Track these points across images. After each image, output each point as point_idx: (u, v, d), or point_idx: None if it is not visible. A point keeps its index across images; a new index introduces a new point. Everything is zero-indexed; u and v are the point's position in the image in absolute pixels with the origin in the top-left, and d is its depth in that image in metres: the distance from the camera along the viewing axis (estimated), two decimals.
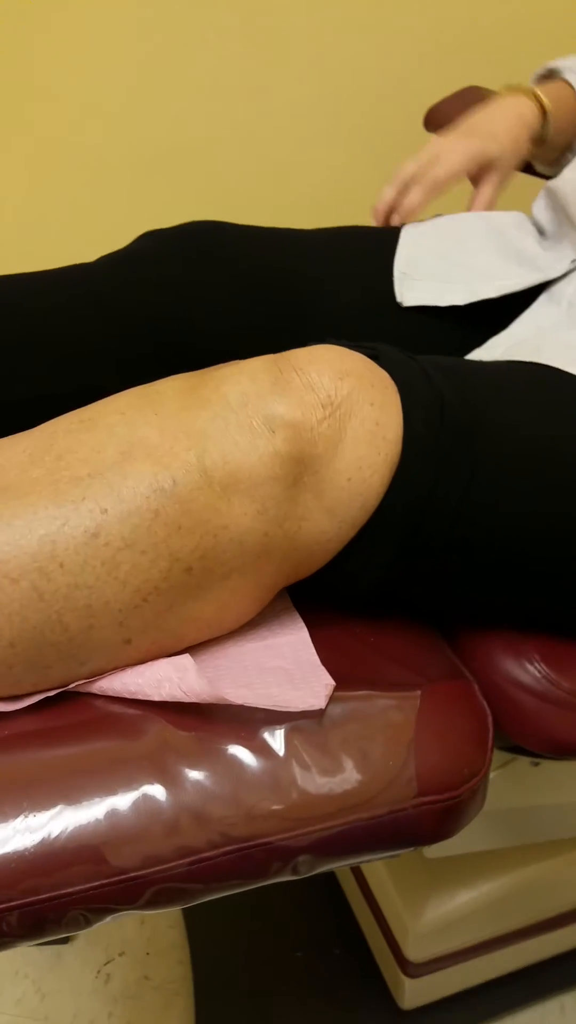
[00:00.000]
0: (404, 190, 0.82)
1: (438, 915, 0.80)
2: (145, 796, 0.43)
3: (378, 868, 0.87)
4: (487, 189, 0.82)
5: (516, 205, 0.83)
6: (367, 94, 1.38)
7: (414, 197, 0.81)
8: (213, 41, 1.34)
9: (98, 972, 1.01)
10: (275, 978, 0.95)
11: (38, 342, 0.67)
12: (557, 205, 0.76)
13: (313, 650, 0.49)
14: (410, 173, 0.82)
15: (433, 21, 1.33)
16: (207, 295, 0.71)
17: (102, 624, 0.44)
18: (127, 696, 0.46)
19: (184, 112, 1.39)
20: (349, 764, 0.45)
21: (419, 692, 0.48)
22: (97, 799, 0.42)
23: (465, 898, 0.80)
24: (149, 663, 0.46)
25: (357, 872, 0.95)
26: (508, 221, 0.78)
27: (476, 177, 0.83)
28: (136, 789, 0.43)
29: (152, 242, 0.73)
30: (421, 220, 0.80)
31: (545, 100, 0.80)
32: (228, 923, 1.01)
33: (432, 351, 0.71)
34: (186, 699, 0.44)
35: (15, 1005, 0.97)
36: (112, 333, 0.69)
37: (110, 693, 0.46)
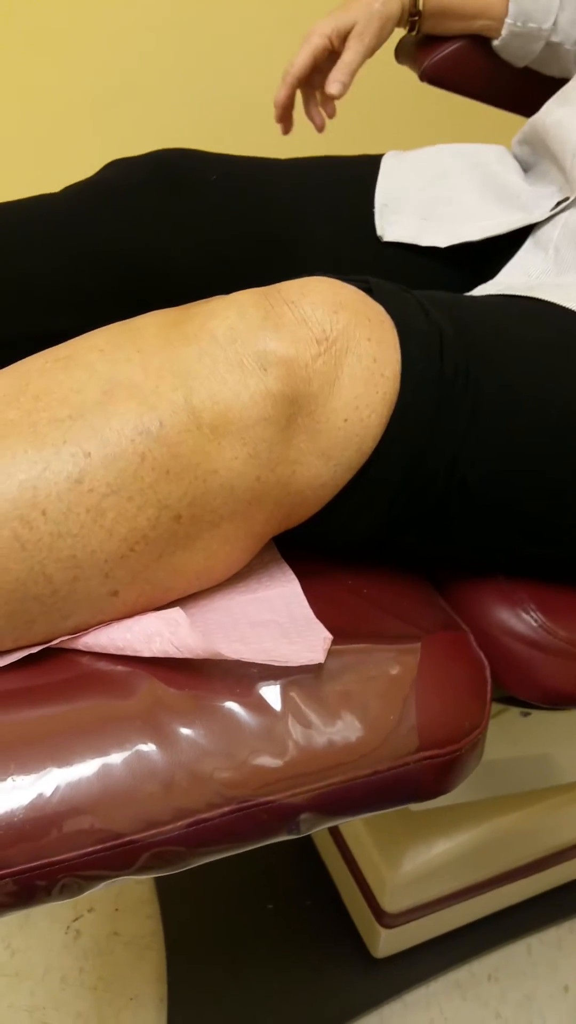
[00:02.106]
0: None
1: (415, 866, 0.80)
2: (139, 756, 0.40)
3: (354, 821, 0.87)
4: (346, 55, 0.79)
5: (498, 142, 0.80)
6: None
7: (279, 93, 0.82)
8: None
9: (67, 928, 0.99)
10: (246, 931, 0.95)
11: (2, 279, 0.63)
12: (538, 140, 0.73)
13: (306, 603, 0.47)
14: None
15: None
16: (178, 228, 0.67)
17: (87, 575, 0.41)
18: (115, 652, 0.43)
19: (151, 34, 1.32)
20: (349, 718, 0.43)
21: (418, 644, 0.46)
22: (88, 759, 0.40)
23: (442, 848, 0.80)
24: (137, 617, 0.44)
25: None
26: (490, 155, 0.75)
27: (339, 49, 0.81)
28: (129, 749, 0.40)
29: (119, 171, 0.69)
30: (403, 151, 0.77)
31: None
32: (197, 877, 1.00)
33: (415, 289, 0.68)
34: (179, 655, 0.41)
35: None
36: (78, 270, 0.64)
37: (96, 649, 0.43)
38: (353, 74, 0.80)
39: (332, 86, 0.79)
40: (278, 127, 0.86)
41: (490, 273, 0.68)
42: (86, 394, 0.42)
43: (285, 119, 0.85)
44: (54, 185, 0.70)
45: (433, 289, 0.68)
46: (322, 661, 0.42)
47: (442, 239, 0.68)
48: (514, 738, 0.65)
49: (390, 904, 0.83)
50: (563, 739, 0.69)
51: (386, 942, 0.88)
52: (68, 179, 0.70)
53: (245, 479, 0.43)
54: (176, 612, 0.43)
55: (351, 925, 0.93)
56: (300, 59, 0.80)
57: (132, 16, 1.30)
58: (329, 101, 0.84)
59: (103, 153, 0.74)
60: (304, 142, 0.90)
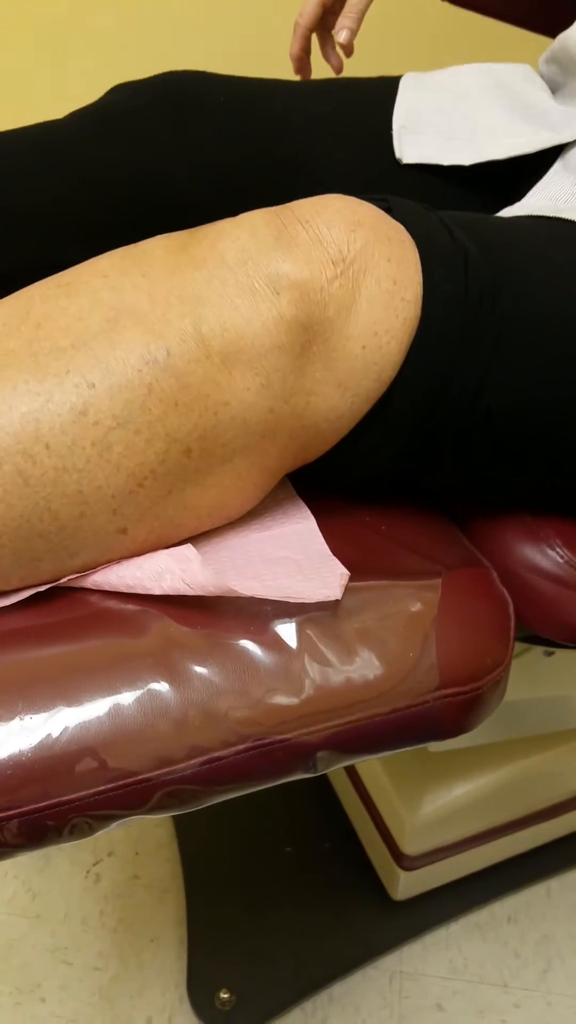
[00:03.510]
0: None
1: (435, 808, 0.79)
2: (151, 693, 0.39)
3: (373, 762, 0.86)
4: None
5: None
6: None
7: (292, 47, 0.81)
8: None
9: (87, 872, 1.00)
10: (265, 874, 0.96)
11: (7, 210, 0.60)
12: (567, 58, 0.69)
13: (322, 539, 0.45)
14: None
15: None
16: (186, 150, 0.64)
17: (94, 512, 0.40)
18: (124, 590, 0.42)
19: None
20: (367, 655, 0.42)
21: (439, 580, 0.44)
22: (99, 698, 0.39)
23: (462, 791, 0.80)
24: (147, 555, 0.42)
25: (350, 767, 0.95)
26: (516, 74, 0.71)
27: None
28: (141, 687, 0.39)
29: (125, 95, 0.65)
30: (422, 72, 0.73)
31: None
32: (216, 821, 1.01)
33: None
34: (190, 592, 0.40)
35: (7, 904, 0.97)
36: (81, 197, 0.62)
37: (106, 587, 0.42)
38: (360, 16, 0.77)
39: (341, 34, 0.77)
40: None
41: (515, 197, 0.64)
42: (89, 321, 0.40)
43: (303, 70, 0.83)
44: (60, 109, 0.67)
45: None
46: (339, 598, 0.41)
47: (465, 157, 0.65)
48: (536, 678, 0.64)
49: (410, 846, 0.83)
50: None
51: (405, 885, 0.88)
52: (74, 103, 0.67)
53: (257, 411, 0.41)
54: (187, 549, 0.41)
55: (370, 868, 0.93)
56: (308, 8, 0.78)
57: None
58: (299, 63, 0.82)
59: (108, 77, 0.71)
60: (323, 70, 0.86)
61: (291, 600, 0.40)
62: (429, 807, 0.79)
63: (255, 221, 0.43)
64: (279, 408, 0.42)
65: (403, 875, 0.86)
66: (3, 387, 0.39)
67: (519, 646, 0.60)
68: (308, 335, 0.41)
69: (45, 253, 0.61)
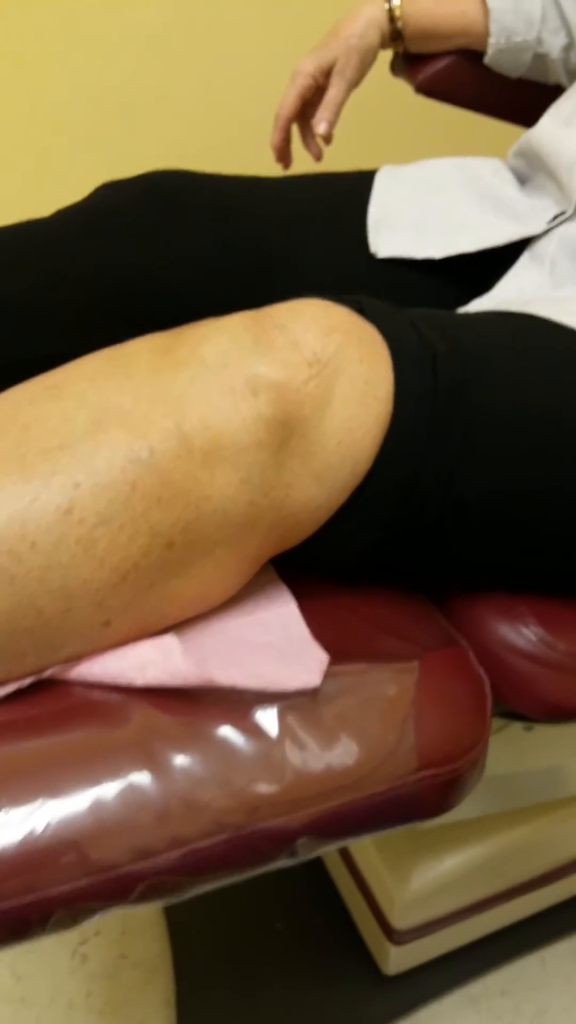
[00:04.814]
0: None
1: (424, 882, 0.79)
2: (132, 785, 0.40)
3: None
4: (329, 92, 0.82)
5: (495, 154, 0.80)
6: None
7: (273, 137, 0.85)
8: None
9: (74, 953, 0.99)
10: (255, 950, 0.94)
11: None
12: (533, 154, 0.73)
13: (303, 623, 0.47)
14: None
15: None
16: (169, 247, 0.67)
17: (79, 606, 0.41)
18: (108, 682, 0.43)
19: (142, 56, 1.32)
20: (346, 740, 0.43)
21: (416, 663, 0.46)
22: (81, 790, 0.39)
23: (451, 864, 0.80)
24: (131, 645, 0.43)
25: None
26: (485, 168, 0.75)
27: (324, 84, 0.83)
28: (122, 778, 0.40)
29: (111, 194, 0.69)
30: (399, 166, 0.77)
31: None
32: (205, 897, 0.99)
33: (410, 307, 0.68)
34: (173, 683, 0.41)
35: None
36: (71, 294, 0.64)
37: (90, 679, 0.43)
38: (338, 109, 0.82)
39: (319, 126, 0.81)
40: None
41: (486, 287, 0.67)
42: (76, 423, 0.42)
43: (283, 159, 0.87)
44: (48, 206, 0.70)
45: (429, 304, 0.68)
46: (318, 684, 0.42)
47: (438, 251, 0.68)
48: (518, 752, 0.65)
49: (399, 921, 0.82)
50: (568, 751, 0.68)
51: (396, 959, 0.87)
52: (62, 201, 0.71)
53: (238, 504, 0.43)
54: (169, 639, 0.42)
55: (361, 942, 0.92)
56: (288, 101, 0.82)
57: (127, 34, 1.31)
58: (279, 152, 0.87)
59: (97, 174, 0.74)
60: (304, 158, 0.90)
61: (271, 690, 0.42)
62: (418, 881, 0.79)
63: (235, 325, 0.45)
64: (259, 501, 0.44)
65: (394, 949, 0.85)
66: None
67: (498, 722, 0.61)
68: (286, 432, 0.43)
69: (29, 345, 0.64)
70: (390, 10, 0.81)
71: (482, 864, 0.81)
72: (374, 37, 0.81)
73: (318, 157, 0.88)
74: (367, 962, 0.91)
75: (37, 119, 1.35)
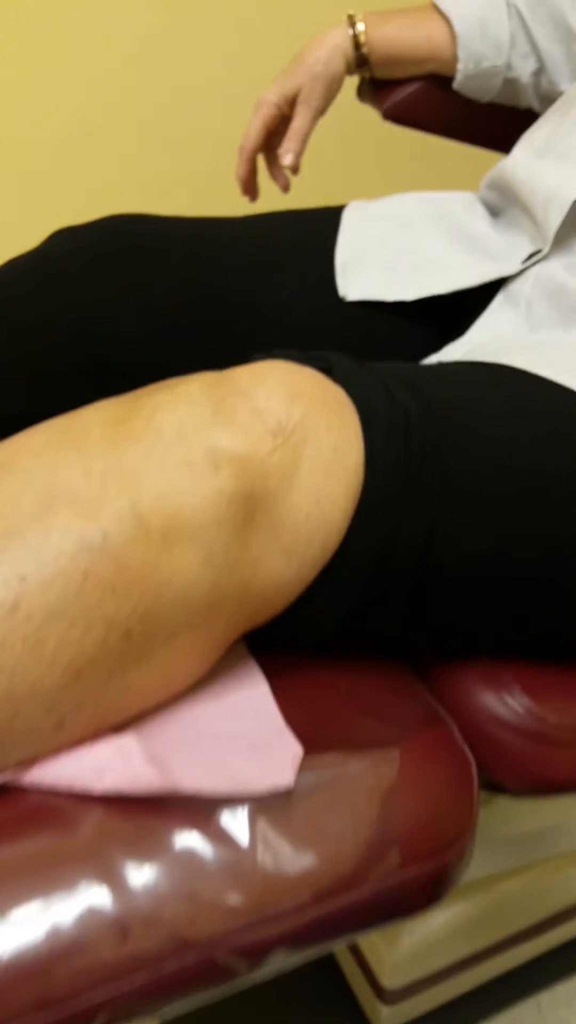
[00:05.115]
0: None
1: (414, 941, 0.76)
2: (87, 903, 0.37)
3: None
4: (295, 121, 0.79)
5: (469, 184, 0.78)
6: None
7: (238, 169, 0.82)
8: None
9: None
10: (243, 1006, 0.91)
11: None
12: (505, 186, 0.70)
13: (276, 709, 0.44)
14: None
15: None
16: (129, 295, 0.63)
17: (28, 710, 0.38)
18: (63, 788, 0.39)
19: (100, 86, 1.29)
20: (322, 842, 0.40)
21: (396, 752, 0.43)
22: (32, 911, 0.36)
23: (440, 921, 0.76)
24: (87, 746, 0.40)
25: None
26: (456, 203, 0.72)
27: (290, 113, 0.81)
28: (77, 894, 0.37)
29: (66, 242, 0.65)
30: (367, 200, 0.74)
31: (360, 24, 0.78)
32: None
33: (382, 352, 0.65)
34: (134, 790, 0.38)
35: None
36: (25, 349, 0.61)
37: (43, 786, 0.40)
38: (304, 139, 0.79)
39: (285, 157, 0.79)
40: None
41: (460, 328, 0.65)
42: (22, 507, 0.39)
43: (250, 191, 0.85)
44: (14, 242, 0.67)
45: (401, 347, 0.66)
46: (291, 785, 0.39)
47: (409, 293, 0.65)
48: (508, 820, 0.62)
49: (390, 981, 0.79)
50: (564, 812, 0.65)
51: (389, 1017, 0.84)
52: (10, 245, 0.67)
53: (201, 586, 0.40)
54: (129, 739, 0.39)
55: (353, 999, 0.89)
56: (252, 132, 0.80)
57: (89, 63, 1.28)
58: (245, 184, 0.85)
59: (54, 211, 0.72)
60: (271, 189, 0.87)
61: (241, 792, 0.38)
62: (408, 940, 0.76)
63: (192, 392, 0.42)
64: (223, 581, 0.41)
65: (385, 1009, 0.82)
66: None
67: (488, 793, 0.59)
68: (250, 506, 0.40)
69: None
70: (355, 36, 0.79)
71: (474, 918, 0.78)
72: (339, 64, 0.79)
73: (285, 188, 0.86)
74: (360, 1019, 0.88)
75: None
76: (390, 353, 0.64)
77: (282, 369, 0.43)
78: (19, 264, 0.65)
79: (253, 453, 0.40)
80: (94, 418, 0.43)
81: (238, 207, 0.83)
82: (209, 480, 0.39)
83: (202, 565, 0.40)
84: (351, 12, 0.80)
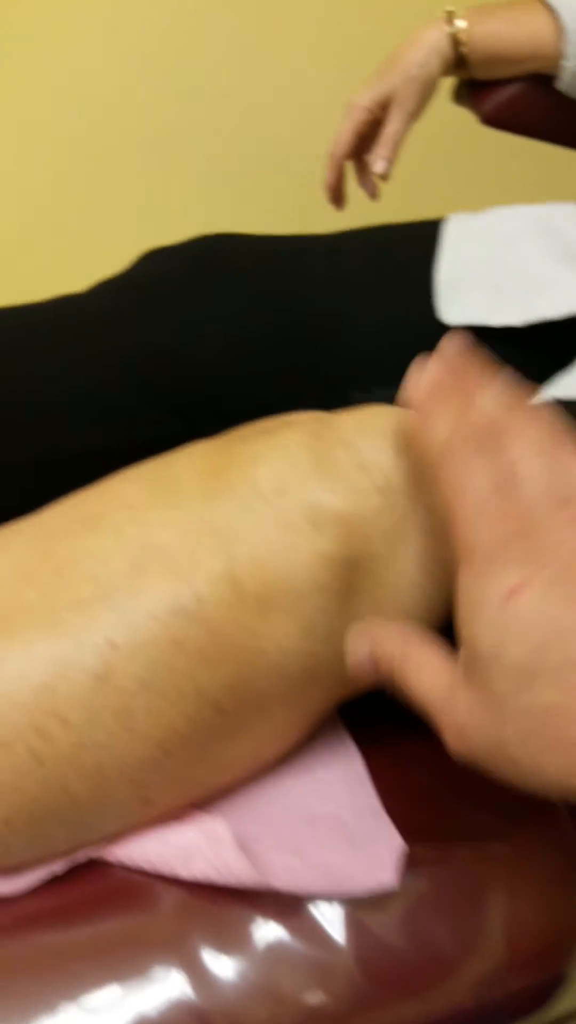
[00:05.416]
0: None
1: None
2: (168, 993, 0.34)
3: None
4: (388, 126, 0.75)
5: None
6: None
7: (327, 176, 0.79)
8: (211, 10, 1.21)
9: None
10: None
11: (29, 401, 0.57)
12: None
13: (371, 789, 0.40)
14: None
15: None
16: (222, 327, 0.60)
17: (115, 786, 0.35)
18: (147, 868, 0.37)
19: (180, 97, 1.26)
20: (422, 944, 0.36)
21: (508, 846, 0.39)
22: (111, 997, 0.34)
23: None
24: (174, 826, 0.37)
25: None
26: (565, 216, 0.67)
27: (382, 118, 0.76)
28: (156, 982, 0.34)
29: (154, 266, 0.63)
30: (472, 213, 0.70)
31: (460, 21, 0.73)
32: None
33: None
34: (223, 881, 0.35)
35: None
36: (113, 383, 0.59)
37: (127, 863, 0.37)
38: (397, 145, 0.75)
39: (377, 164, 0.75)
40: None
41: (570, 355, 0.60)
42: (113, 566, 0.36)
43: (337, 199, 0.81)
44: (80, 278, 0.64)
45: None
46: (395, 886, 0.35)
47: (517, 317, 0.60)
48: None
49: None
50: None
51: None
52: (101, 264, 0.65)
53: (298, 656, 0.37)
54: (218, 824, 0.36)
55: None
56: (343, 137, 0.76)
57: (173, 74, 1.25)
58: (334, 192, 0.81)
59: (137, 227, 0.69)
60: (359, 197, 0.83)
61: (339, 893, 0.35)
62: None
63: (291, 442, 0.39)
64: (322, 651, 0.37)
65: None
66: (18, 651, 0.35)
67: None
68: (352, 571, 0.37)
69: (69, 442, 0.58)
70: (454, 34, 0.74)
71: None
72: (436, 65, 0.74)
73: (374, 196, 0.82)
74: None
75: (60, 166, 1.28)
76: None
77: (389, 418, 0.40)
78: (107, 290, 0.62)
79: (357, 512, 0.37)
80: (189, 467, 0.40)
81: (319, 218, 0.80)
82: (310, 541, 0.36)
83: (300, 635, 0.37)
84: (449, 8, 0.75)
